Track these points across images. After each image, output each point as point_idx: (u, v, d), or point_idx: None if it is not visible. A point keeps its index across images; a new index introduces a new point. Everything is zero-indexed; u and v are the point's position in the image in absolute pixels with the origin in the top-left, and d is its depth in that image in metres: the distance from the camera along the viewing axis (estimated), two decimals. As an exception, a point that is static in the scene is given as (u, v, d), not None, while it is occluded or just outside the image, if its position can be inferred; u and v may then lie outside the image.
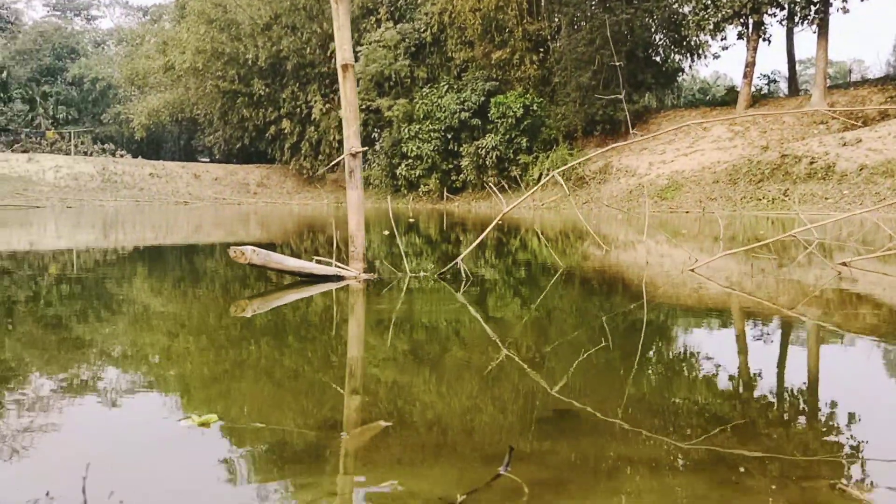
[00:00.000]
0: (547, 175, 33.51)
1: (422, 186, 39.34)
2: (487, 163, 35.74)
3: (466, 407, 3.40)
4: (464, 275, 7.72)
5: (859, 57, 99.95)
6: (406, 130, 38.98)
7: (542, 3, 37.42)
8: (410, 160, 38.94)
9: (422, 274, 7.90)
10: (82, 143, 49.99)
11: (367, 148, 8.43)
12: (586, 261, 10.47)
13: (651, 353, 4.50)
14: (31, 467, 2.62)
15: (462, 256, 7.92)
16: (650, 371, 4.07)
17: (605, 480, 2.48)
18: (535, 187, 9.23)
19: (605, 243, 12.74)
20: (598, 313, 6.01)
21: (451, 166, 38.26)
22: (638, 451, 2.72)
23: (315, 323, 5.75)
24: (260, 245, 7.32)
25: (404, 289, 7.11)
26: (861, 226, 16.05)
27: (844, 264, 8.47)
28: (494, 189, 14.15)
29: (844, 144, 26.51)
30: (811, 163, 26.13)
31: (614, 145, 8.58)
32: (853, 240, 12.38)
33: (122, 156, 49.27)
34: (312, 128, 46.82)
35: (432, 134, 37.71)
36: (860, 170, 25.10)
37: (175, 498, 2.37)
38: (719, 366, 4.24)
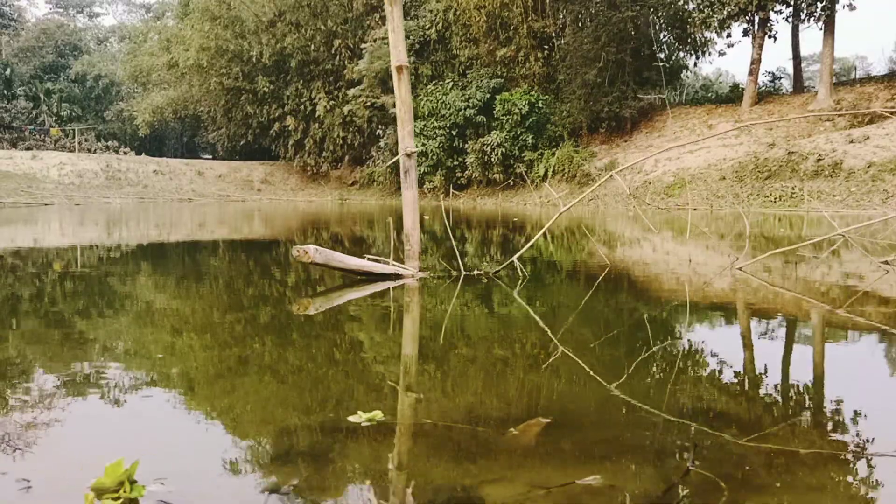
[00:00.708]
0: (553, 172, 33.59)
1: (427, 183, 39.31)
2: (493, 160, 35.74)
3: (603, 398, 3.46)
4: (520, 273, 7.77)
5: (862, 53, 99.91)
6: (411, 127, 38.93)
7: (548, 1, 37.38)
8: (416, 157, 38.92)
9: (476, 272, 7.90)
10: (86, 140, 50.04)
11: (420, 148, 8.49)
12: (628, 258, 10.49)
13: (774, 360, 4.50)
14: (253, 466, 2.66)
15: (518, 255, 8.05)
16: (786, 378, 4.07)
17: (785, 475, 2.52)
18: (596, 185, 9.28)
19: (653, 237, 12.71)
20: (664, 313, 6.01)
21: (456, 163, 38.24)
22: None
23: (405, 320, 5.84)
24: (303, 241, 7.36)
25: (463, 286, 7.24)
26: (885, 225, 15.97)
27: (886, 262, 8.42)
28: (526, 182, 14.15)
29: (852, 142, 26.50)
30: (818, 160, 26.12)
31: (672, 145, 8.59)
32: (880, 238, 12.34)
33: (125, 153, 49.30)
34: (316, 125, 46.83)
35: (437, 131, 37.69)
36: (868, 167, 25.08)
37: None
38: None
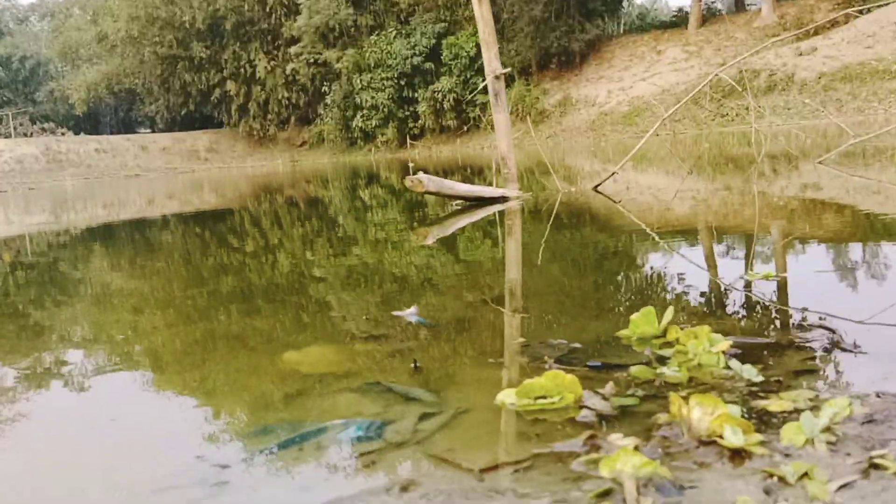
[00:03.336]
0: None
1: (379, 136, 38.94)
2: (445, 106, 35.50)
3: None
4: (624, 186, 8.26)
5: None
6: (358, 81, 38.38)
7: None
8: (365, 111, 38.45)
9: (572, 189, 8.29)
10: (20, 124, 48.27)
11: (508, 69, 8.45)
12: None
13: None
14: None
15: (618, 168, 8.58)
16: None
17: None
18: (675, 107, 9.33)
19: (686, 168, 12.80)
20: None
21: (407, 113, 37.89)
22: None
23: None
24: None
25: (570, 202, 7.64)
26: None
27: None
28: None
29: (801, 54, 26.92)
30: (770, 75, 26.49)
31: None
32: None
33: (63, 134, 47.70)
34: (259, 87, 45.78)
35: (385, 82, 37.22)
36: (819, 77, 25.53)
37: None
38: None
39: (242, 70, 45.80)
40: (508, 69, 8.51)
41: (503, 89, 7.89)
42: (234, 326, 3.90)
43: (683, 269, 4.30)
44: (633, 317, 2.81)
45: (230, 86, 46.33)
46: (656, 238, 5.32)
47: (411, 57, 36.45)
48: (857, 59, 25.59)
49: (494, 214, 7.30)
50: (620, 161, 9.54)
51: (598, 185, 8.48)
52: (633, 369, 2.44)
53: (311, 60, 41.01)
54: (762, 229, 5.38)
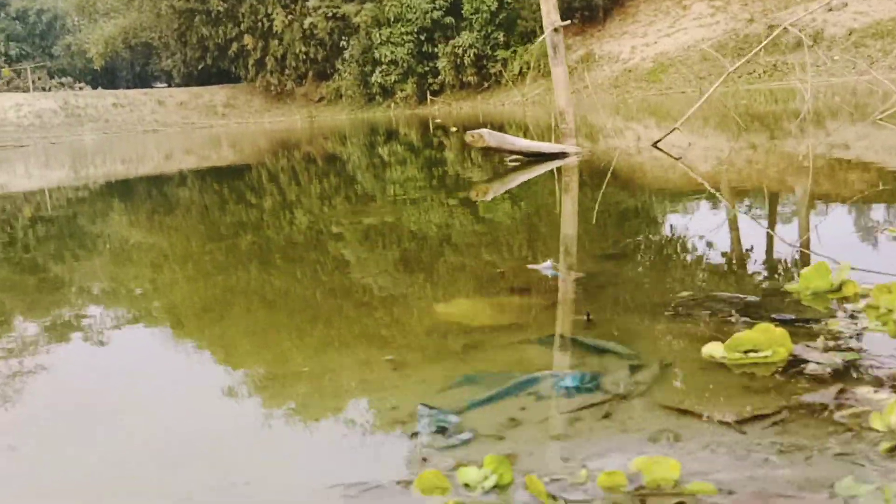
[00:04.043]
0: (528, 68, 32.94)
1: (398, 92, 38.48)
2: (465, 62, 34.94)
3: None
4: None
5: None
6: (377, 35, 37.82)
7: None
8: (384, 66, 37.94)
9: (630, 145, 8.55)
10: (39, 78, 48.09)
11: (567, 22, 8.36)
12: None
13: None
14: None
15: (679, 123, 8.49)
16: None
17: None
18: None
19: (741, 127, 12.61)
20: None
21: (427, 69, 37.33)
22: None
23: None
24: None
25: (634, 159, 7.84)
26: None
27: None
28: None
29: (830, 10, 26.21)
30: (799, 31, 25.82)
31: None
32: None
33: (80, 88, 47.51)
34: (276, 42, 45.23)
35: (405, 37, 36.64)
36: (849, 34, 24.91)
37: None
38: None
39: (260, 24, 45.23)
40: (568, 21, 8.43)
41: (562, 42, 7.88)
42: (381, 279, 3.94)
43: (814, 223, 4.30)
44: (804, 271, 2.88)
45: (247, 40, 45.82)
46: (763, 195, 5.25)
47: (431, 11, 35.78)
48: (889, 14, 24.93)
49: (553, 171, 7.38)
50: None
51: (658, 141, 8.58)
52: (833, 323, 2.45)
53: (330, 14, 40.44)
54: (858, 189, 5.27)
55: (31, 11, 55.88)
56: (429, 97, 37.45)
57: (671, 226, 4.80)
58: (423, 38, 36.56)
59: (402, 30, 36.70)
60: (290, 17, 43.87)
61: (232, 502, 1.78)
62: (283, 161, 13.87)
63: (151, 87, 57.73)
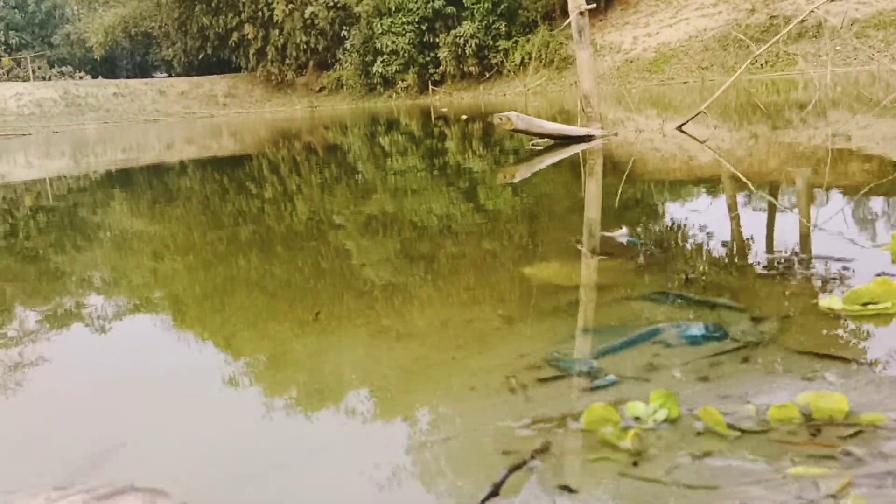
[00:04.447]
0: (530, 59, 32.83)
1: (399, 82, 38.39)
2: (466, 52, 34.83)
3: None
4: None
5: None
6: (378, 25, 37.71)
7: None
8: (385, 56, 37.84)
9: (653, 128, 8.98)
10: (39, 68, 47.98)
11: (593, 5, 8.38)
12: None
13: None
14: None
15: (705, 106, 8.73)
16: None
17: None
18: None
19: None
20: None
21: (428, 59, 37.23)
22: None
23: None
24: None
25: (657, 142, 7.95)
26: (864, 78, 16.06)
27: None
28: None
29: (833, 0, 26.11)
30: (801, 21, 25.74)
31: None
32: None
33: (81, 77, 47.41)
34: (277, 31, 45.11)
35: (406, 27, 36.52)
36: (851, 24, 24.82)
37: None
38: None
39: (260, 13, 45.08)
40: (593, 5, 8.46)
41: (587, 26, 7.98)
42: (464, 248, 4.09)
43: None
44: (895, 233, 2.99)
45: (248, 29, 45.68)
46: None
47: (433, 1, 35.67)
48: (891, 4, 24.85)
49: (578, 154, 7.53)
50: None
51: (683, 124, 8.80)
52: None
53: (331, 4, 40.32)
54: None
55: (30, 0, 55.71)
56: (430, 87, 37.32)
57: (731, 197, 4.92)
58: (424, 28, 36.46)
59: (404, 19, 36.59)
60: (290, 6, 43.72)
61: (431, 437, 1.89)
62: (316, 144, 13.83)
63: (151, 76, 57.63)
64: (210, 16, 46.12)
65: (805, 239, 3.57)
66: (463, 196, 5.93)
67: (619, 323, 2.45)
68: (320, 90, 46.53)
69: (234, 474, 1.81)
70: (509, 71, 33.60)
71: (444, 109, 22.60)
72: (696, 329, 2.29)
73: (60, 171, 13.05)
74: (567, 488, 1.57)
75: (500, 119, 7.53)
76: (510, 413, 1.93)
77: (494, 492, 1.57)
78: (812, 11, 9.71)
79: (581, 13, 7.75)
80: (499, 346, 2.43)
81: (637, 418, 1.83)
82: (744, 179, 5.38)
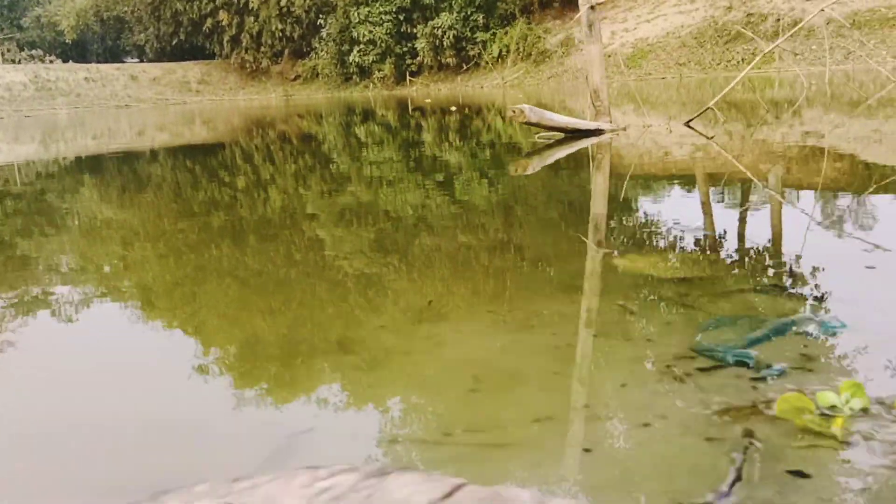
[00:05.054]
0: (508, 52, 32.75)
1: (376, 73, 38.14)
2: (444, 43, 34.68)
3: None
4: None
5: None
6: (355, 14, 37.40)
7: None
8: (362, 45, 37.56)
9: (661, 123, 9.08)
10: (8, 51, 47.09)
11: (367, 36, 8.19)
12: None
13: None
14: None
15: (713, 103, 8.86)
16: None
17: None
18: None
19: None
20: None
21: (405, 49, 37.03)
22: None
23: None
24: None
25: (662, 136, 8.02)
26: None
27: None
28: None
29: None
30: (777, 20, 25.93)
31: None
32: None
33: (51, 62, 46.57)
34: (252, 18, 44.59)
35: (384, 16, 36.27)
36: (827, 23, 24.99)
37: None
38: None
39: (235, 0, 44.57)
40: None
41: (598, 20, 8.02)
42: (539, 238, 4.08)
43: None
44: None
45: (222, 16, 45.12)
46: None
47: (411, -10, 35.47)
48: (866, 5, 25.08)
49: (588, 148, 7.59)
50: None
51: (690, 120, 8.86)
52: None
53: (308, -9, 39.96)
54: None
55: (-2, -19, 54.69)
56: (407, 78, 37.13)
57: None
58: (401, 18, 36.24)
59: (381, 9, 36.33)
60: (266, -8, 43.26)
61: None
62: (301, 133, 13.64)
63: (123, 61, 56.74)
64: (184, 1, 45.51)
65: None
66: (542, 191, 5.90)
67: (744, 314, 2.47)
68: (295, 79, 46.11)
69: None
70: (487, 63, 33.50)
71: (428, 100, 22.41)
72: (835, 321, 2.34)
73: (29, 157, 12.77)
74: (800, 473, 1.58)
75: (514, 111, 7.74)
76: (691, 401, 1.93)
77: (738, 477, 1.60)
78: (821, 10, 9.76)
79: (592, 7, 7.80)
80: (636, 336, 2.42)
81: (833, 406, 1.84)
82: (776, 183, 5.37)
